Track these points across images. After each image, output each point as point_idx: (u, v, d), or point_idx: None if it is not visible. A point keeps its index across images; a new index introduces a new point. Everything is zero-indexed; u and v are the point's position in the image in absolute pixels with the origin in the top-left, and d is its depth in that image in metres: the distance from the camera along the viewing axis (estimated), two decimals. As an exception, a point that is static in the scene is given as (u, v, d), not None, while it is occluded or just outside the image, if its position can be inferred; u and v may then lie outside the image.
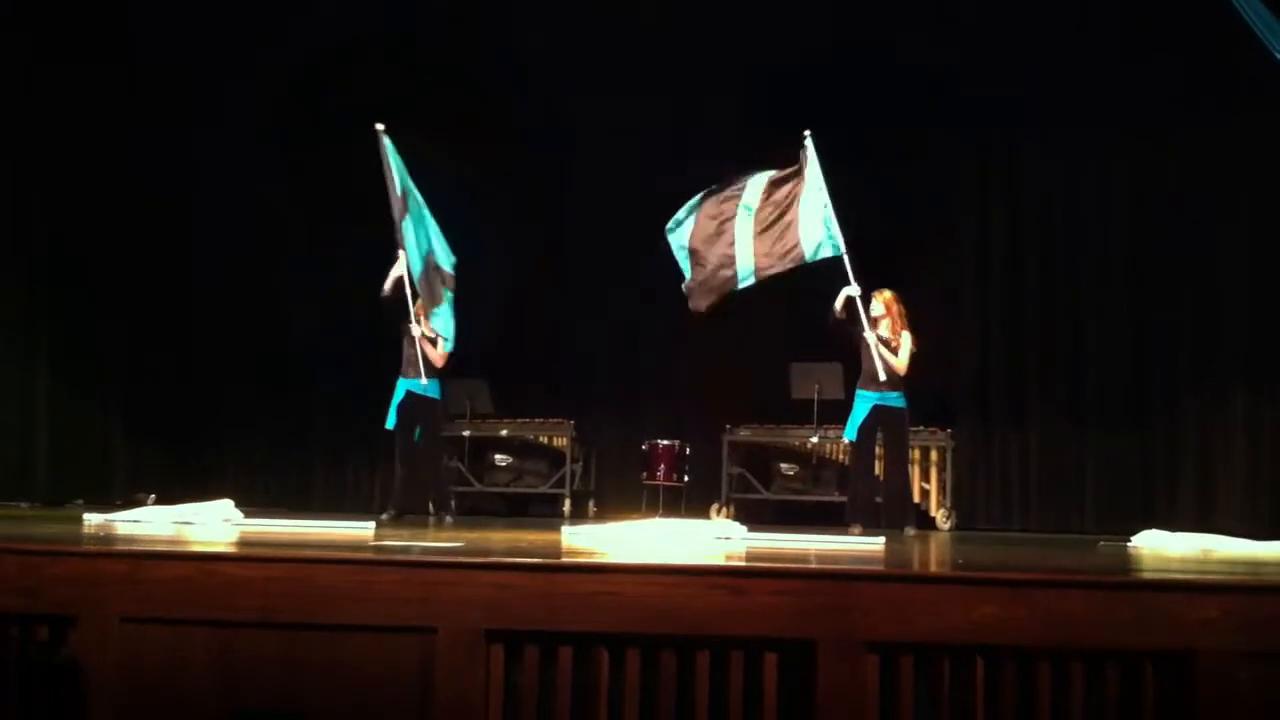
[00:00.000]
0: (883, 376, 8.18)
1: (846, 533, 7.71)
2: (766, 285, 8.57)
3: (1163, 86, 9.79)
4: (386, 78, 10.33)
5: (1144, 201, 10.15)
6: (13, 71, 9.86)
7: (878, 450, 8.70)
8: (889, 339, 8.28)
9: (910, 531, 8.19)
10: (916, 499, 9.70)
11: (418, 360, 8.57)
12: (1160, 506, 9.73)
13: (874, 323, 8.30)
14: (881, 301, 8.34)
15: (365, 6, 10.59)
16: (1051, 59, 10.11)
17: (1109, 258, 10.29)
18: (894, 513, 8.35)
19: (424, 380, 8.56)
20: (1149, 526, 7.59)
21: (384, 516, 8.34)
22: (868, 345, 8.23)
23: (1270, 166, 9.53)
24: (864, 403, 8.29)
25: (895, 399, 8.26)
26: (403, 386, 8.65)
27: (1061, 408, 10.32)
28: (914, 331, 8.33)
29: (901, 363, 8.24)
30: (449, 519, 8.74)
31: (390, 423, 8.65)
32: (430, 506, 8.97)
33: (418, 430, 8.79)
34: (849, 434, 8.42)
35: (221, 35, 10.38)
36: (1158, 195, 10.08)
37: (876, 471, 8.82)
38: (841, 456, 10.09)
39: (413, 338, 8.59)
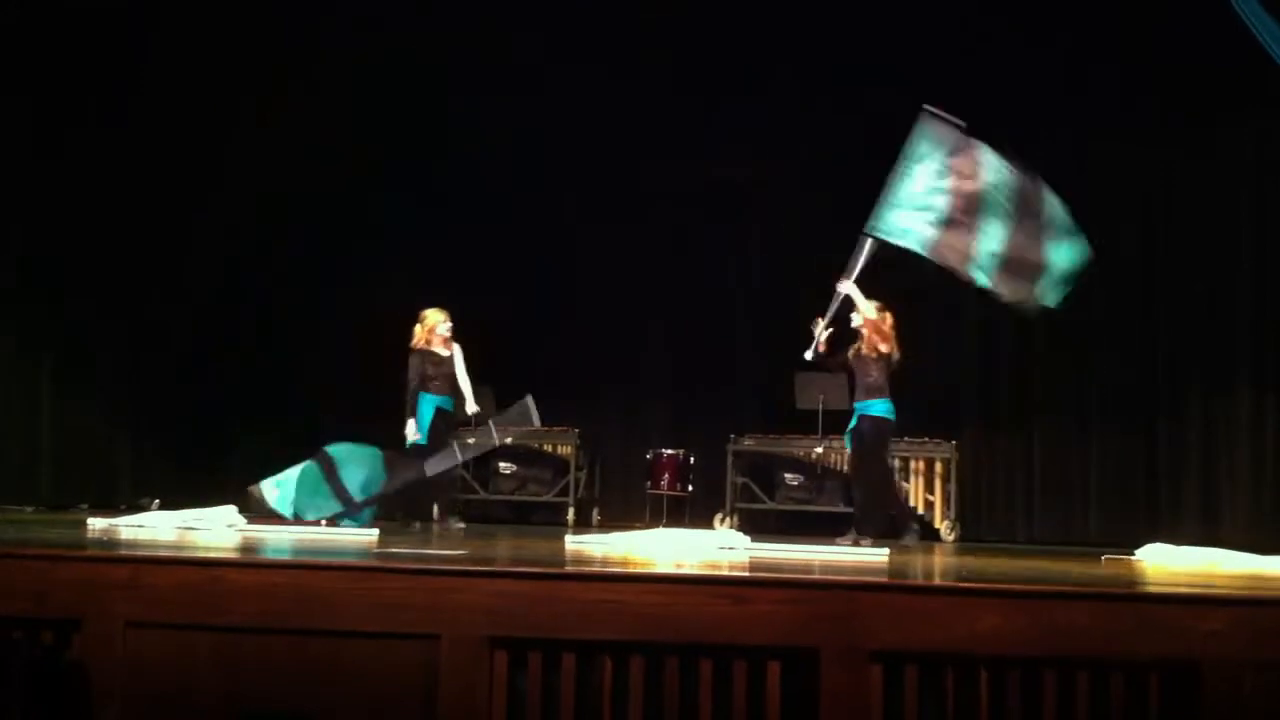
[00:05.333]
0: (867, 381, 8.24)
1: (849, 542, 7.71)
2: (773, 293, 8.52)
3: (1165, 86, 9.80)
4: (390, 82, 10.35)
5: (1148, 210, 10.15)
6: (11, 72, 9.87)
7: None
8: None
9: (910, 541, 8.16)
10: (921, 510, 9.70)
11: (443, 378, 8.62)
12: (1164, 516, 9.72)
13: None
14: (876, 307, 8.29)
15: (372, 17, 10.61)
16: (1054, 58, 10.11)
17: (1113, 265, 10.26)
18: (860, 520, 8.30)
19: (472, 406, 8.73)
20: (1153, 537, 7.58)
21: (416, 526, 8.39)
22: (859, 360, 8.26)
23: (1275, 168, 9.55)
24: (855, 413, 8.42)
25: (870, 407, 8.27)
26: (431, 403, 8.64)
27: (1064, 417, 10.31)
28: (900, 345, 8.31)
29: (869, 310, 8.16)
30: (461, 526, 8.73)
31: (423, 439, 8.63)
32: (436, 513, 8.99)
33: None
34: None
35: (222, 36, 10.39)
36: (1161, 202, 10.09)
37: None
38: (846, 466, 10.09)
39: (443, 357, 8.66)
